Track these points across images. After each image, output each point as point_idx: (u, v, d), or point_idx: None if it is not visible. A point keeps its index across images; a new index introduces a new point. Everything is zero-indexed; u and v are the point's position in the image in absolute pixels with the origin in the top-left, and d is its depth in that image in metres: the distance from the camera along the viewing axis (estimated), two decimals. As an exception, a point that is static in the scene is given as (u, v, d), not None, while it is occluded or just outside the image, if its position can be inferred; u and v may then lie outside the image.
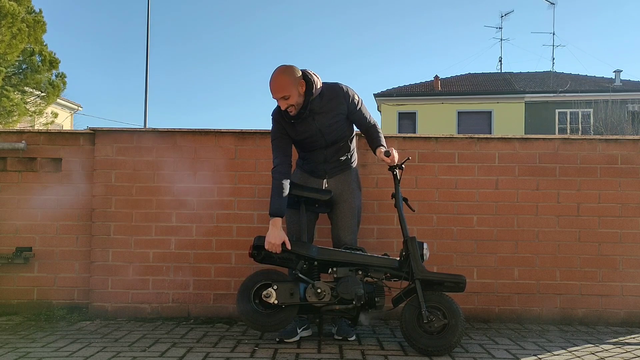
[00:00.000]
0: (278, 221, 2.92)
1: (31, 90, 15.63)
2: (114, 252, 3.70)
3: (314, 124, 2.99)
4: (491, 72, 25.75)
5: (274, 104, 3.00)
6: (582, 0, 57.28)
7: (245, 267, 3.59)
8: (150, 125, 16.39)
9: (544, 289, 3.68)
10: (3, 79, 13.90)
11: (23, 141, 3.78)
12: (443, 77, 23.89)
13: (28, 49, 14.84)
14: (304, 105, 2.93)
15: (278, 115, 3.04)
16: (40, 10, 15.27)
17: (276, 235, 2.89)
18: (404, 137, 3.81)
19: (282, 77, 2.88)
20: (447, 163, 3.76)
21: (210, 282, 3.69)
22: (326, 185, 3.16)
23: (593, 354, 2.94)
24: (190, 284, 3.69)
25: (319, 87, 2.97)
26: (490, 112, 21.31)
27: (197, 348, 2.92)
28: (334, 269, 2.98)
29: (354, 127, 3.17)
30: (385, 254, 3.11)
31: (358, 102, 3.06)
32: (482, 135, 3.80)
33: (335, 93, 3.01)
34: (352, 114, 3.07)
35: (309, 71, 2.96)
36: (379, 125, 3.20)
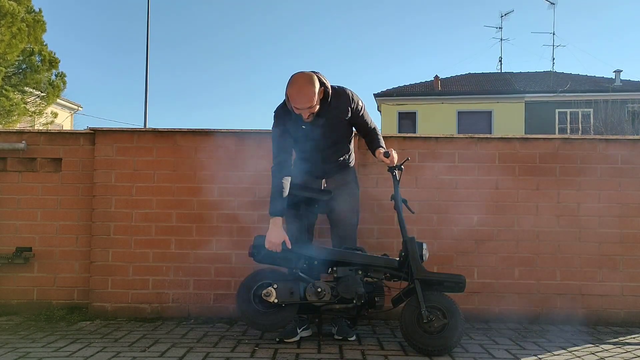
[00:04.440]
0: (278, 220, 2.92)
1: (31, 90, 15.62)
2: (114, 252, 3.70)
3: (318, 127, 2.99)
4: (491, 72, 25.74)
5: (273, 104, 3.01)
6: (582, 0, 57.28)
7: (245, 267, 3.59)
8: (150, 125, 16.38)
9: (544, 289, 3.68)
10: (3, 79, 13.90)
11: (23, 141, 3.78)
12: (443, 77, 23.88)
13: (28, 48, 14.84)
14: (316, 112, 2.95)
15: (282, 114, 3.03)
16: (40, 10, 15.29)
17: (276, 235, 2.90)
18: (404, 137, 3.81)
19: (310, 88, 2.85)
20: (447, 163, 3.76)
21: (210, 282, 3.69)
22: (325, 186, 3.17)
23: (593, 354, 2.94)
24: (190, 284, 3.69)
25: (330, 93, 2.98)
26: (490, 112, 21.30)
27: (197, 348, 2.92)
28: (334, 269, 2.98)
29: (354, 128, 3.18)
30: (384, 254, 3.11)
31: (362, 107, 3.08)
32: (482, 135, 3.80)
33: (342, 99, 3.01)
34: (355, 119, 3.08)
35: (322, 76, 2.95)
36: (378, 129, 3.21)
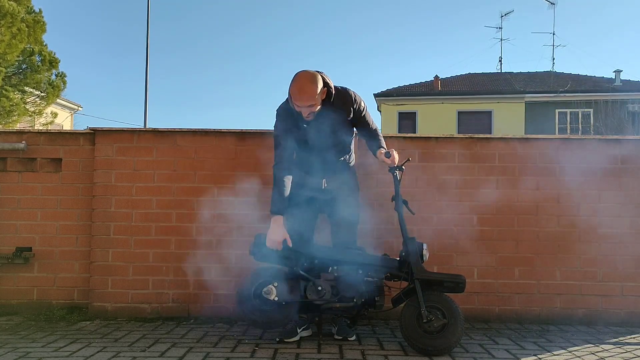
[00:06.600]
0: (280, 219, 2.92)
1: (31, 90, 15.61)
2: (114, 252, 3.70)
3: (320, 126, 2.99)
4: (491, 72, 25.73)
5: (274, 107, 3.02)
6: (582, 0, 57.29)
7: (246, 266, 3.58)
8: (150, 125, 16.35)
9: (544, 289, 3.68)
10: (3, 79, 13.88)
11: (23, 141, 3.78)
12: (443, 77, 23.86)
13: (28, 48, 14.82)
14: (318, 111, 2.95)
15: (285, 113, 3.03)
16: (40, 10, 15.24)
17: (278, 233, 2.90)
18: (404, 137, 3.81)
19: (312, 87, 2.85)
20: (447, 163, 3.76)
21: (210, 282, 3.69)
22: (325, 185, 3.17)
23: (593, 354, 2.94)
24: (190, 284, 3.69)
25: (333, 93, 2.98)
26: (490, 112, 21.30)
27: (197, 348, 2.92)
28: (334, 268, 2.98)
29: (354, 129, 3.18)
30: (384, 254, 3.11)
31: (364, 108, 3.08)
32: (482, 135, 3.80)
33: (344, 99, 3.02)
34: (357, 119, 3.09)
35: (325, 76, 2.95)
36: (379, 130, 3.21)
